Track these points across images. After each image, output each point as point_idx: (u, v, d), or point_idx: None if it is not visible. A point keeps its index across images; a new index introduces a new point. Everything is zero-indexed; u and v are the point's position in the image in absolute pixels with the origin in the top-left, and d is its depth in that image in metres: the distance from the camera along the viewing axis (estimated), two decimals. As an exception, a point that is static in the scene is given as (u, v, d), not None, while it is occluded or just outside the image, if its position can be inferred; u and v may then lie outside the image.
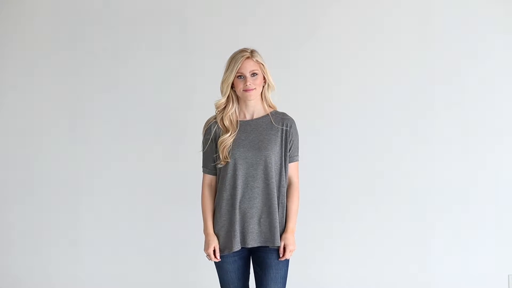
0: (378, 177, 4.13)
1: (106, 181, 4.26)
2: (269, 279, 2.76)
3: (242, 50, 2.81)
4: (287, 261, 2.82)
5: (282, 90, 4.05)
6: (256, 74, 2.79)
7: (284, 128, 2.82)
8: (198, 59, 4.20)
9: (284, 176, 2.82)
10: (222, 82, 2.82)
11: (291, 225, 2.81)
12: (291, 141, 2.83)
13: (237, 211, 2.77)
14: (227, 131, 2.81)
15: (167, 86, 4.22)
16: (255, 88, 2.78)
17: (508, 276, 4.08)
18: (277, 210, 2.78)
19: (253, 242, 2.76)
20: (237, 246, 2.75)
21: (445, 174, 4.11)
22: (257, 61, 2.80)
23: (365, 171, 4.14)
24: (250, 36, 4.10)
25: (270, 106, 2.89)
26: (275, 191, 2.78)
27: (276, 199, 2.78)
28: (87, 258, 4.28)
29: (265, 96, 2.87)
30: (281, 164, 2.81)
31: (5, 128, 4.32)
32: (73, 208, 4.29)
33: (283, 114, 2.88)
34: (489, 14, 4.10)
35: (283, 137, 2.81)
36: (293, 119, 2.87)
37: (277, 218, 2.77)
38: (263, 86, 2.85)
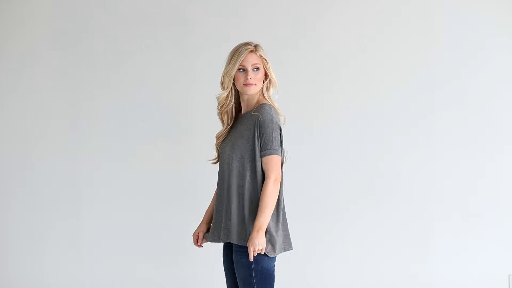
0: (378, 177, 4.13)
1: (106, 181, 4.26)
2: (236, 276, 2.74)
3: (246, 43, 2.74)
4: (249, 263, 2.61)
5: (281, 89, 4.05)
6: (258, 69, 2.71)
7: (255, 120, 2.66)
8: (198, 59, 4.20)
9: (252, 170, 2.66)
10: (224, 76, 2.75)
11: (257, 223, 2.57)
12: (262, 134, 2.64)
13: (212, 205, 2.83)
14: (223, 125, 2.80)
15: (167, 86, 4.21)
16: (255, 84, 2.70)
17: (508, 276, 4.08)
18: (236, 206, 2.67)
19: (222, 237, 2.71)
20: (211, 238, 2.79)
21: (446, 174, 4.11)
22: (261, 55, 2.72)
23: (365, 171, 4.14)
24: (250, 36, 4.09)
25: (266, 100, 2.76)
26: (236, 186, 2.68)
27: (236, 195, 2.67)
28: (87, 258, 4.28)
29: (263, 93, 2.75)
30: (249, 157, 2.67)
31: (5, 128, 4.32)
32: (73, 208, 4.28)
33: (262, 105, 2.69)
34: (490, 16, 4.10)
35: (254, 130, 2.66)
36: (266, 110, 2.65)
37: (236, 214, 2.66)
38: (264, 82, 2.74)
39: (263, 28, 4.16)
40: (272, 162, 2.63)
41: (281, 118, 2.74)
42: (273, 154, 2.63)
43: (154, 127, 4.22)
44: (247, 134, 2.68)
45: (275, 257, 2.66)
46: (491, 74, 4.09)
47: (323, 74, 4.15)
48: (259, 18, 4.18)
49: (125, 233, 4.25)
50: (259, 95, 2.75)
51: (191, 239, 4.09)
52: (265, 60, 2.74)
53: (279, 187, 2.64)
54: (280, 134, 2.68)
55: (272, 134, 2.63)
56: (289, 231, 2.74)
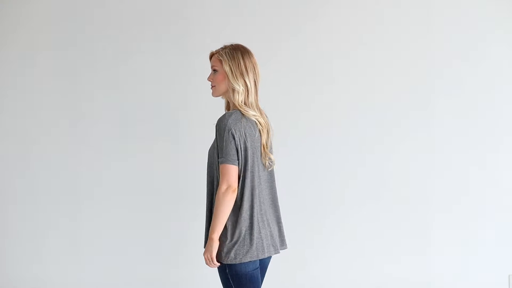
0: (376, 177, 4.13)
1: (106, 181, 4.26)
2: None
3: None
4: (222, 268, 2.67)
5: (276, 89, 4.05)
6: (216, 71, 2.71)
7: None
8: (198, 59, 4.18)
9: (215, 179, 2.68)
10: None
11: (210, 232, 2.60)
12: (217, 143, 2.65)
13: None
14: None
15: (167, 86, 4.22)
16: (214, 86, 2.72)
17: (508, 276, 4.08)
18: (207, 213, 2.72)
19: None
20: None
21: (445, 174, 4.11)
22: (218, 57, 2.70)
23: (363, 170, 4.14)
24: (250, 36, 4.10)
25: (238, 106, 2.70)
26: (207, 194, 2.73)
27: (207, 202, 2.72)
28: (87, 258, 4.28)
29: (231, 99, 2.70)
30: (215, 165, 2.68)
31: (5, 128, 4.32)
32: (73, 208, 4.29)
33: (225, 113, 2.67)
34: (489, 13, 4.10)
35: (215, 138, 2.69)
36: (221, 119, 2.62)
37: (207, 222, 2.71)
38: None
39: (263, 27, 4.16)
40: (222, 171, 2.59)
41: (249, 125, 2.64)
42: (223, 163, 2.59)
43: (154, 127, 4.22)
44: (214, 141, 2.70)
45: (252, 262, 2.64)
46: (490, 72, 4.09)
47: (317, 74, 4.16)
48: (259, 18, 4.17)
49: (125, 233, 4.25)
50: (231, 102, 2.71)
51: (191, 239, 4.11)
52: (220, 60, 2.69)
53: (232, 196, 2.59)
54: (237, 142, 2.59)
55: (223, 143, 2.60)
56: (267, 237, 2.67)
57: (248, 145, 2.62)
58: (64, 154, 4.29)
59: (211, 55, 2.75)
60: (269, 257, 2.79)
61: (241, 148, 2.60)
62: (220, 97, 2.79)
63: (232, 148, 2.58)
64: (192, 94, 4.19)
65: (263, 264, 2.80)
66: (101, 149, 4.26)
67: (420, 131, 4.12)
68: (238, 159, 2.60)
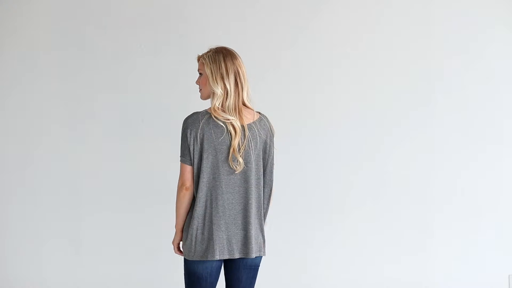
0: (376, 178, 4.14)
1: (106, 181, 4.26)
2: None
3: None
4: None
5: (276, 89, 4.05)
6: (202, 74, 2.76)
7: None
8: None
9: None
10: None
11: None
12: None
13: None
14: None
15: (167, 86, 4.22)
16: (201, 88, 2.77)
17: (508, 276, 4.08)
18: None
19: None
20: None
21: (445, 173, 4.12)
22: (202, 61, 2.75)
23: (363, 170, 4.14)
24: (250, 36, 4.11)
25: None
26: None
27: None
28: (87, 257, 4.28)
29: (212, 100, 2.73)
30: None
31: (5, 128, 4.32)
32: (73, 208, 4.28)
33: None
34: (489, 13, 4.10)
35: None
36: (185, 118, 2.71)
37: None
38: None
39: (263, 27, 4.16)
40: (180, 169, 2.71)
41: (210, 126, 2.63)
42: (180, 161, 2.71)
43: (154, 127, 4.22)
44: None
45: (203, 262, 2.68)
46: (490, 71, 4.10)
47: (317, 74, 4.16)
48: (259, 18, 4.17)
49: (125, 233, 4.25)
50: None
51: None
52: (203, 63, 2.73)
53: (185, 193, 2.68)
54: (189, 142, 2.63)
55: (181, 142, 2.70)
56: (221, 241, 2.66)
57: (205, 146, 2.64)
58: (64, 154, 4.29)
59: (198, 59, 2.79)
60: (255, 258, 2.75)
61: (194, 148, 2.65)
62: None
63: (185, 147, 2.67)
64: (192, 94, 4.18)
65: (245, 264, 2.75)
66: (101, 149, 4.26)
67: (421, 131, 4.12)
68: (191, 159, 2.66)
